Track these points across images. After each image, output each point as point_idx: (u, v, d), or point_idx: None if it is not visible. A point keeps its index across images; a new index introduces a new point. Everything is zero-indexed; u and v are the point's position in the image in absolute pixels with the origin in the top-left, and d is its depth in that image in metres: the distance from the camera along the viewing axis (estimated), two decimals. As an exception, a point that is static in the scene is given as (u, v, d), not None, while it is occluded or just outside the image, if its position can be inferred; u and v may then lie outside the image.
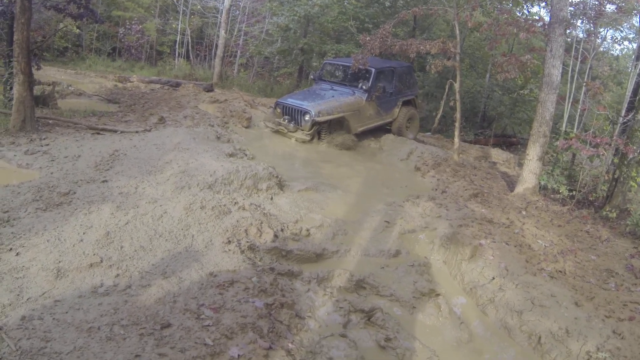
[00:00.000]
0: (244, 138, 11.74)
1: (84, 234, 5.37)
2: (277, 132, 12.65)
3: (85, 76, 18.75)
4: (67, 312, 4.13)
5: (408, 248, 7.07)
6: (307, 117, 11.91)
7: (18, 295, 4.32)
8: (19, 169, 7.68)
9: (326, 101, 12.44)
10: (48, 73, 16.98)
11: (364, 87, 13.03)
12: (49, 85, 13.63)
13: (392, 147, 12.90)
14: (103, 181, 7.10)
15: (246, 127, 12.80)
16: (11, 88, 10.43)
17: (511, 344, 5.48)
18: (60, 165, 7.74)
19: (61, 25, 20.08)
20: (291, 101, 12.54)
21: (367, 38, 12.41)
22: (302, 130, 12.11)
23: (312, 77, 15.00)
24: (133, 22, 24.59)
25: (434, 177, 10.64)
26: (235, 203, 6.93)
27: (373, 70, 13.15)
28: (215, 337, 4.07)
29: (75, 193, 6.57)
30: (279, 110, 12.75)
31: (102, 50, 24.35)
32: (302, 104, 12.18)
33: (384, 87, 13.42)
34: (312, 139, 12.14)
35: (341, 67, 14.50)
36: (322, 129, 12.32)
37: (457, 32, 12.30)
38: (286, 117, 12.40)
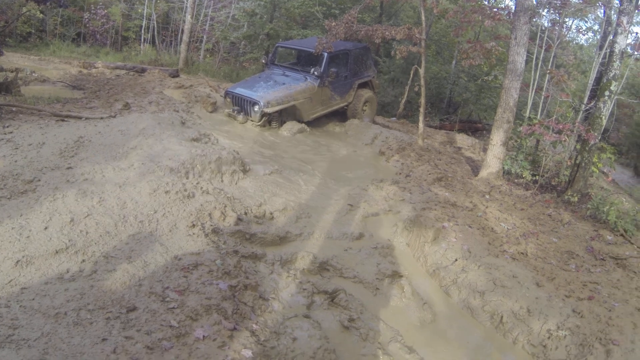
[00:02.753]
0: (209, 123, 11.71)
1: (49, 220, 5.34)
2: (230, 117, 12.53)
3: (49, 62, 18.47)
4: (33, 299, 4.14)
5: (371, 231, 7.18)
6: (256, 108, 11.79)
7: (-17, 283, 4.31)
8: (-19, 158, 7.61)
9: (276, 90, 12.25)
10: (11, 59, 16.72)
11: (315, 72, 12.79)
12: (12, 71, 13.44)
13: (357, 131, 12.97)
14: (68, 168, 7.06)
15: (211, 112, 12.73)
16: (-28, 76, 10.29)
17: (474, 323, 5.63)
18: (24, 153, 7.65)
19: (24, 9, 19.73)
20: (240, 91, 12.38)
21: (333, 23, 12.41)
22: (252, 121, 12.00)
23: (263, 61, 14.66)
24: (98, 7, 24.24)
25: (398, 162, 10.75)
26: (200, 187, 6.95)
27: (325, 54, 12.83)
28: (181, 319, 4.12)
29: (39, 180, 6.53)
30: (228, 99, 12.63)
31: (66, 36, 23.96)
32: (251, 94, 12.01)
33: (337, 72, 13.05)
34: (263, 126, 12.03)
35: (292, 51, 14.28)
36: (273, 118, 12.18)
37: (423, 18, 12.38)
38: (235, 107, 12.30)
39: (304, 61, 13.92)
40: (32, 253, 4.77)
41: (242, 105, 12.18)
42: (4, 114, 9.74)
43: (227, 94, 12.73)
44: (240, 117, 12.05)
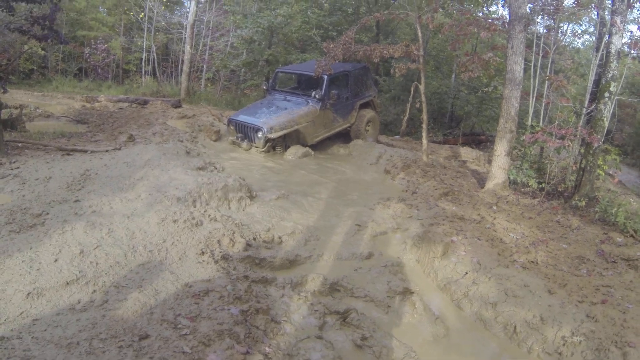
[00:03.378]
0: (213, 151, 11.77)
1: (58, 253, 5.38)
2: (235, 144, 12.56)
3: (53, 98, 18.62)
4: (45, 330, 4.15)
5: (380, 249, 7.17)
6: (259, 134, 11.80)
7: (-5, 317, 4.33)
8: (-10, 194, 7.66)
9: (279, 115, 12.26)
10: (15, 96, 16.85)
11: (317, 96, 12.81)
12: (16, 108, 13.56)
13: (361, 151, 12.99)
14: (75, 201, 7.11)
15: (215, 141, 12.80)
16: (-22, 113, 10.38)
17: (488, 335, 5.59)
18: (32, 188, 7.72)
19: (26, 47, 19.97)
20: (243, 118, 12.40)
21: (331, 45, 12.48)
22: (256, 147, 12.00)
23: (264, 87, 14.74)
24: (98, 42, 24.52)
25: (404, 179, 10.76)
26: (207, 215, 6.99)
27: (325, 77, 12.85)
28: (193, 344, 4.12)
29: (48, 214, 6.58)
30: (232, 127, 12.64)
31: (68, 71, 24.21)
32: (254, 120, 12.04)
33: (338, 94, 13.05)
34: (268, 152, 12.04)
35: (294, 76, 14.33)
36: (277, 143, 12.18)
37: (420, 34, 12.46)
38: (239, 135, 12.33)
39: (304, 85, 13.98)
40: (43, 285, 4.80)
41: (245, 132, 12.21)
42: (11, 150, 9.83)
43: (230, 121, 12.75)
44: (245, 144, 12.07)
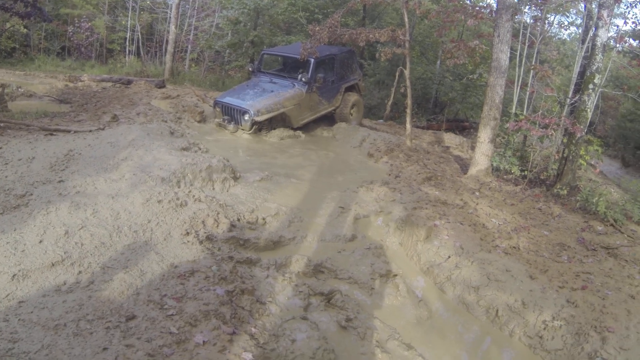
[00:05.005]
0: (197, 132, 11.75)
1: (43, 234, 5.36)
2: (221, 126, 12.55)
3: (35, 77, 18.43)
4: (32, 312, 4.15)
5: (364, 232, 7.24)
6: (246, 117, 11.78)
7: (-20, 298, 4.33)
8: (-29, 174, 7.61)
9: (265, 98, 12.24)
10: (-5, 75, 16.70)
11: (303, 79, 12.83)
12: (-2, 87, 13.42)
13: (345, 135, 13.03)
14: (59, 181, 7.09)
15: (199, 122, 12.77)
16: (-42, 93, 10.27)
17: (470, 318, 5.69)
18: (15, 168, 7.67)
19: (8, 25, 19.70)
20: (229, 100, 12.38)
21: (317, 28, 12.45)
22: (243, 129, 12.00)
23: (250, 68, 14.73)
24: (82, 20, 24.21)
25: (387, 163, 10.81)
26: (192, 195, 7.00)
27: (312, 60, 12.86)
28: (180, 325, 4.16)
29: (31, 195, 6.55)
30: (218, 109, 12.61)
31: (51, 50, 23.92)
32: (240, 103, 12.02)
33: (324, 77, 13.16)
34: (254, 134, 12.03)
35: (280, 58, 14.31)
36: (263, 126, 12.22)
37: (406, 20, 12.45)
38: (226, 117, 12.30)
39: (290, 67, 13.93)
40: (28, 266, 4.78)
41: (232, 115, 12.17)
42: (-7, 130, 9.74)
43: (216, 103, 12.69)
44: (231, 127, 12.05)
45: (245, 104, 11.91)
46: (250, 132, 11.91)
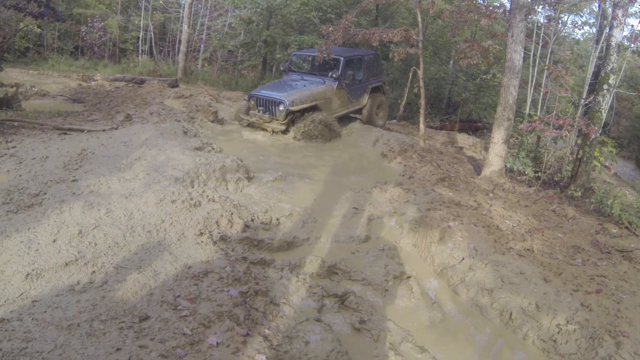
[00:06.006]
0: (210, 132, 11.79)
1: (57, 233, 5.37)
2: (250, 124, 12.72)
3: (49, 76, 18.52)
4: (45, 312, 4.15)
5: (378, 233, 7.20)
6: (281, 107, 12.08)
7: (-5, 298, 4.33)
8: (-14, 174, 7.65)
9: (298, 91, 12.65)
10: (10, 74, 16.77)
11: (334, 75, 13.21)
12: (12, 87, 13.48)
13: (359, 135, 13.06)
14: (73, 180, 7.11)
15: (212, 121, 12.83)
16: (-27, 92, 10.32)
17: (483, 321, 5.63)
18: (29, 167, 7.71)
19: (22, 24, 19.79)
20: (264, 92, 12.68)
21: (330, 29, 12.50)
22: (277, 120, 12.25)
23: (282, 68, 15.13)
24: (95, 20, 24.30)
25: (401, 164, 10.77)
26: (205, 195, 7.01)
27: (342, 58, 13.38)
28: (193, 326, 4.14)
29: (45, 194, 6.58)
30: (252, 102, 12.86)
31: (64, 50, 24.03)
32: (276, 94, 12.35)
33: (353, 75, 13.72)
34: (287, 128, 12.26)
35: (309, 58, 14.66)
36: (296, 118, 12.45)
37: (419, 19, 12.41)
38: (260, 108, 12.52)
39: (319, 67, 14.21)
40: (42, 266, 4.79)
41: (266, 106, 12.48)
42: (7, 129, 9.77)
43: (250, 96, 13.06)
44: (267, 117, 12.32)
45: (280, 95, 12.28)
46: (284, 122, 12.18)
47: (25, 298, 4.37)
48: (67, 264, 4.90)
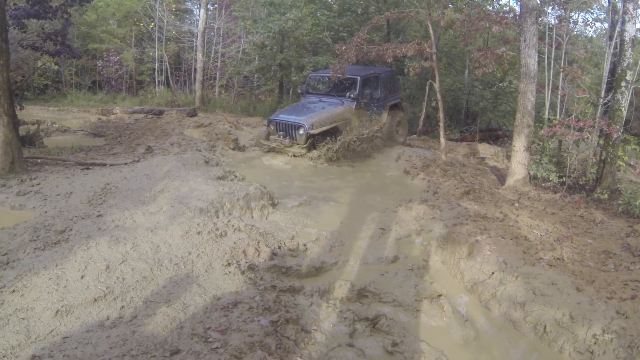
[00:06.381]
0: (232, 160, 11.85)
1: (84, 269, 5.41)
2: (271, 150, 12.74)
3: (68, 112, 18.78)
4: (76, 348, 4.15)
5: (406, 252, 7.13)
6: (301, 131, 12.06)
7: (26, 335, 4.35)
8: (12, 211, 7.72)
9: (317, 113, 12.63)
10: (31, 112, 17.02)
11: (351, 95, 13.19)
12: (34, 124, 13.66)
13: (380, 153, 13.04)
14: (98, 216, 7.15)
15: (233, 149, 12.89)
16: (-4, 131, 10.45)
17: (518, 336, 5.50)
18: (54, 204, 7.79)
19: (39, 62, 20.10)
20: (283, 117, 12.69)
21: (343, 47, 12.52)
22: (298, 144, 12.21)
23: (299, 91, 15.19)
24: (110, 54, 24.64)
25: (424, 179, 10.72)
26: (231, 225, 7.01)
27: (358, 78, 13.36)
28: (225, 358, 4.10)
29: (71, 230, 6.61)
30: (272, 127, 12.88)
31: (82, 85, 24.40)
32: (295, 118, 12.35)
33: (370, 94, 13.65)
34: (308, 151, 12.22)
35: (326, 79, 14.66)
36: (317, 140, 12.40)
37: (431, 32, 12.43)
38: (280, 133, 12.53)
39: (337, 87, 14.22)
40: (71, 302, 4.82)
41: (286, 130, 12.47)
42: (30, 166, 9.90)
43: (270, 121, 13.09)
44: (287, 142, 12.30)
45: (299, 119, 12.27)
46: (305, 145, 12.11)
47: (55, 335, 4.38)
48: (96, 300, 4.92)
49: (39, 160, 10.38)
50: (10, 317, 4.58)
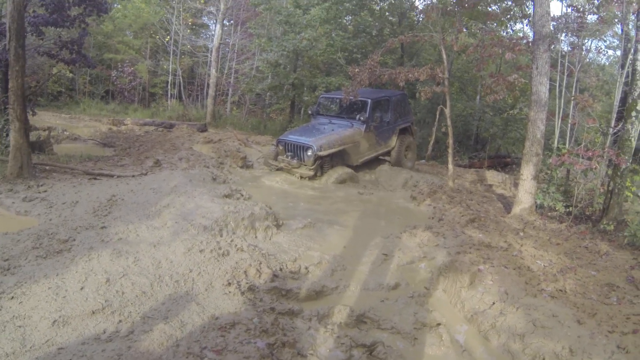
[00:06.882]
0: (239, 178, 11.88)
1: (84, 280, 5.42)
2: (279, 170, 12.80)
3: (80, 120, 18.91)
4: (71, 360, 4.15)
5: (407, 279, 7.07)
6: (309, 152, 12.11)
7: (21, 343, 4.34)
8: (17, 216, 7.81)
9: (326, 135, 12.68)
10: (43, 118, 17.15)
11: (361, 118, 13.27)
12: (45, 130, 13.78)
13: (388, 177, 13.06)
14: (102, 227, 7.18)
15: (241, 167, 12.95)
16: (7, 135, 10.57)
17: (515, 368, 5.49)
18: (59, 212, 7.84)
19: (54, 70, 20.29)
20: (292, 138, 12.78)
21: (356, 70, 12.57)
22: (306, 165, 12.24)
23: (310, 112, 15.27)
24: (125, 65, 24.83)
25: (430, 206, 10.71)
26: (234, 244, 7.00)
27: (369, 100, 13.44)
28: (220, 379, 4.10)
29: (74, 240, 6.64)
30: (280, 147, 12.96)
31: (95, 94, 24.59)
32: (304, 139, 12.41)
33: (380, 117, 13.73)
34: (315, 173, 12.24)
35: (337, 101, 14.77)
36: (325, 162, 12.46)
37: (444, 56, 12.47)
38: (289, 153, 12.62)
39: (347, 110, 14.35)
40: (69, 313, 4.82)
41: (295, 151, 12.57)
42: (38, 172, 9.96)
43: (279, 142, 13.18)
44: (295, 162, 12.36)
45: (308, 140, 12.34)
46: (312, 167, 12.14)
47: (51, 345, 4.38)
48: (94, 312, 4.91)
49: (47, 167, 10.45)
50: (7, 324, 4.59)
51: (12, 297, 5.02)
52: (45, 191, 8.89)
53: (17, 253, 6.14)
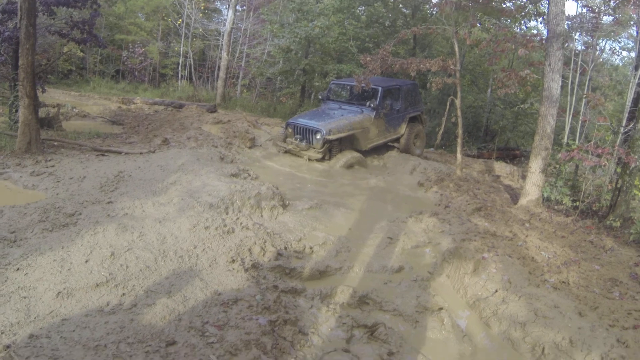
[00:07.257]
0: (247, 158, 11.87)
1: (89, 254, 5.44)
2: (287, 152, 12.86)
3: (89, 98, 18.90)
4: (74, 331, 4.16)
5: (411, 263, 7.07)
6: (318, 136, 12.13)
7: (26, 314, 4.37)
8: (25, 190, 7.83)
9: (336, 120, 12.71)
10: (52, 95, 17.15)
11: (372, 105, 13.32)
12: (54, 107, 13.75)
13: (396, 163, 13.04)
14: (108, 202, 7.19)
15: (249, 148, 12.93)
16: (17, 111, 10.62)
17: (515, 355, 5.45)
18: (66, 187, 7.86)
19: (65, 48, 20.30)
20: (302, 121, 12.80)
21: (368, 58, 12.54)
22: (314, 148, 12.27)
23: (320, 97, 15.33)
24: (136, 46, 24.82)
25: (437, 193, 10.68)
26: (239, 222, 7.01)
27: (380, 88, 13.50)
28: (220, 353, 4.10)
29: (80, 214, 6.66)
30: (290, 130, 12.98)
31: (105, 73, 24.58)
32: (313, 123, 12.44)
33: (391, 105, 13.79)
34: (323, 157, 12.30)
35: (348, 87, 14.77)
36: (333, 146, 12.51)
37: (457, 49, 12.41)
38: (298, 136, 12.63)
39: (357, 96, 14.41)
40: (73, 285, 4.85)
41: (303, 134, 12.59)
42: (47, 148, 9.98)
43: (288, 124, 13.20)
44: (304, 145, 12.40)
45: (317, 124, 12.38)
46: (321, 150, 12.20)
47: (55, 316, 4.41)
48: (97, 285, 4.94)
49: (55, 143, 10.47)
50: (12, 295, 4.62)
51: (18, 269, 5.05)
52: (52, 166, 8.91)
53: (24, 226, 6.17)
